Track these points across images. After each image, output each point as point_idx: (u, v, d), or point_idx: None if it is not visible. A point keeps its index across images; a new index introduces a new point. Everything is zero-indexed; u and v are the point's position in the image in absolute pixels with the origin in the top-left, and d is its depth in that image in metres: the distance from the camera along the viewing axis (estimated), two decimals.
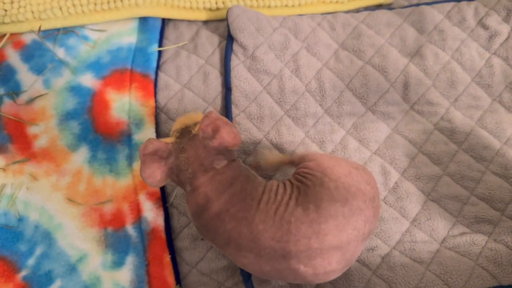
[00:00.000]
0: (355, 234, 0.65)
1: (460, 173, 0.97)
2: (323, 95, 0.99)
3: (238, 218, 0.64)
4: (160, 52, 1.00)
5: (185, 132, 0.69)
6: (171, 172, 0.68)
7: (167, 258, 0.85)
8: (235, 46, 1.00)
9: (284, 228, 0.63)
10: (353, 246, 0.65)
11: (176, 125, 0.72)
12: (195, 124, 0.70)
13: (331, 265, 0.64)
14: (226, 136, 0.68)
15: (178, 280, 0.85)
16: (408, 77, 1.02)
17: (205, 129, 0.67)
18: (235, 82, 0.97)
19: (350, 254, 0.66)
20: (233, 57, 0.98)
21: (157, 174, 0.66)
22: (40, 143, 0.92)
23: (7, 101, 0.93)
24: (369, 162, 0.97)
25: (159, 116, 0.97)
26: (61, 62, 0.97)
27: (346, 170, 0.70)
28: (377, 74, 1.01)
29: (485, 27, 1.06)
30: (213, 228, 0.66)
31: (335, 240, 0.63)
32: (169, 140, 0.69)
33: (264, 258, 0.63)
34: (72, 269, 0.84)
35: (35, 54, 0.97)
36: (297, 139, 0.97)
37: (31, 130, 0.92)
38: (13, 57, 0.97)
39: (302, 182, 0.70)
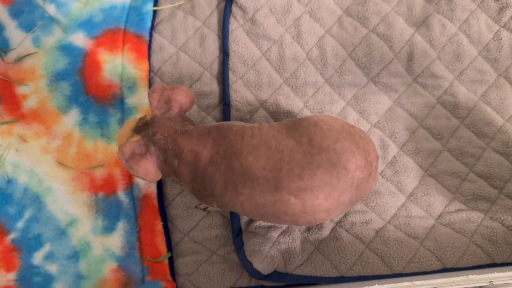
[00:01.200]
0: (344, 173, 0.65)
1: (460, 149, 0.95)
2: (324, 64, 0.95)
3: (228, 154, 0.65)
4: (155, 12, 0.96)
5: (141, 127, 0.68)
6: (159, 160, 0.68)
7: (159, 225, 0.84)
8: (234, 8, 0.95)
9: (277, 157, 0.64)
10: (342, 186, 0.65)
11: (122, 139, 0.70)
12: (139, 122, 0.69)
13: (318, 199, 0.64)
14: (180, 98, 0.69)
15: (169, 247, 0.84)
16: (413, 48, 0.98)
17: (157, 105, 0.68)
18: (233, 46, 0.93)
19: (338, 195, 0.66)
20: (231, 19, 0.94)
21: (150, 168, 0.66)
22: (29, 103, 0.89)
23: None
24: (369, 135, 0.94)
25: (153, 79, 0.93)
26: (52, 20, 0.92)
27: (339, 123, 0.72)
28: (382, 44, 0.97)
29: None
30: (210, 177, 0.66)
31: (326, 175, 0.64)
32: (135, 139, 0.68)
33: (257, 190, 0.64)
34: (61, 233, 0.82)
35: (24, 10, 0.92)
36: (295, 109, 0.94)
37: (20, 90, 0.89)
38: (1, 13, 0.92)
39: (294, 122, 0.71)
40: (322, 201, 0.65)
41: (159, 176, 0.68)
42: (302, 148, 0.65)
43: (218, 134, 0.68)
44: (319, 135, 0.67)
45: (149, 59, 0.92)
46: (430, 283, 0.70)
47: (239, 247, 0.84)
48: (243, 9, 0.94)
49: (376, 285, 0.68)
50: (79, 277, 0.80)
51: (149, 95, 0.68)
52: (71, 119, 0.88)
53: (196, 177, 0.68)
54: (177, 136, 0.67)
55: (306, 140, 0.66)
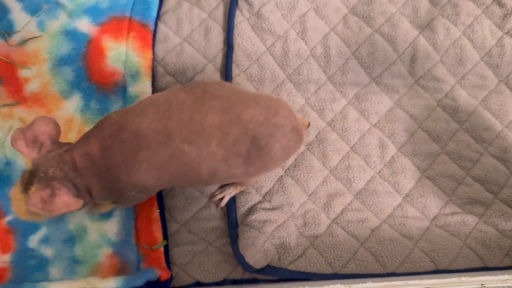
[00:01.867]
0: (237, 121, 0.62)
1: (458, 152, 0.96)
2: (328, 61, 0.96)
3: (115, 132, 0.63)
4: (161, 1, 0.95)
5: (29, 179, 0.64)
6: (70, 189, 0.64)
7: (156, 213, 0.84)
8: (240, 1, 0.95)
9: (164, 108, 0.63)
10: (234, 133, 0.62)
11: (20, 206, 0.68)
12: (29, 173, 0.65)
13: (211, 145, 0.62)
14: (44, 129, 0.66)
15: (165, 236, 0.84)
16: (416, 50, 0.98)
17: (29, 149, 0.65)
18: (237, 40, 0.93)
19: (231, 142, 0.62)
20: (237, 13, 0.94)
21: (67, 199, 0.62)
22: (31, 87, 0.88)
23: None
24: (368, 135, 0.95)
25: (156, 69, 0.93)
26: (57, 4, 0.92)
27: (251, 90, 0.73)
28: (385, 44, 0.98)
29: (501, 4, 1.02)
30: (111, 163, 0.64)
31: (216, 118, 0.62)
32: (33, 189, 0.63)
33: (152, 147, 0.62)
34: (58, 218, 0.82)
35: None
36: (296, 105, 0.94)
37: (23, 73, 0.89)
38: None
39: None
40: (216, 147, 0.62)
41: (80, 203, 0.63)
42: (194, 96, 0.63)
43: (96, 127, 0.66)
44: (216, 87, 0.65)
45: (153, 48, 0.92)
46: (423, 283, 0.71)
47: (234, 240, 0.84)
48: (249, 3, 0.94)
49: (370, 282, 0.69)
50: (74, 261, 0.80)
51: (14, 144, 0.64)
52: (73, 104, 0.88)
53: (102, 175, 0.65)
54: (64, 156, 0.64)
55: (199, 91, 0.64)
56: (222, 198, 0.86)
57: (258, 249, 0.81)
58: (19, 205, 0.66)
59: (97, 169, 0.65)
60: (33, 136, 0.65)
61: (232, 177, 0.68)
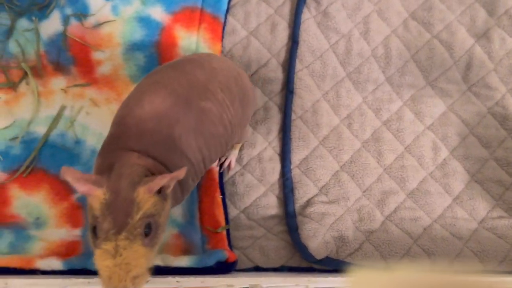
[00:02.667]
0: (215, 72, 0.68)
1: (506, 159, 0.99)
2: (387, 62, 0.99)
3: (138, 121, 0.61)
4: None
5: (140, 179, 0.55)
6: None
7: (218, 197, 0.87)
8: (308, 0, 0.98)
9: (164, 83, 0.65)
10: (224, 81, 0.69)
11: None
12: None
13: (219, 95, 0.67)
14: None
15: (227, 220, 0.87)
16: (472, 57, 1.01)
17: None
18: (303, 36, 0.96)
19: (227, 89, 0.68)
20: (305, 10, 0.97)
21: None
22: (103, 69, 0.92)
23: (74, 22, 0.92)
24: (422, 136, 0.98)
25: None
26: None
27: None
28: (443, 50, 1.01)
29: None
30: (164, 141, 0.61)
31: (202, 74, 0.67)
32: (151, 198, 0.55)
33: (181, 119, 0.62)
34: None
35: None
36: (354, 103, 0.97)
37: (96, 55, 0.92)
38: None
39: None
40: (222, 95, 0.67)
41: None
42: (173, 67, 0.69)
43: (118, 134, 0.63)
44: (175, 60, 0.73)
45: (221, 40, 0.95)
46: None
47: (293, 230, 0.87)
48: (317, 1, 0.97)
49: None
50: None
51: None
52: None
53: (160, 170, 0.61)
54: (130, 164, 0.58)
55: (172, 64, 0.71)
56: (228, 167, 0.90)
57: (319, 241, 0.84)
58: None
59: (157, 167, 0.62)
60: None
61: (239, 124, 0.74)
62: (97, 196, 0.52)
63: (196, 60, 0.71)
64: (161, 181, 0.53)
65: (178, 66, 0.69)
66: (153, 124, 0.61)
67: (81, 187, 0.52)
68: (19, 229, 0.81)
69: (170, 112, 0.62)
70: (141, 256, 0.51)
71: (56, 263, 0.74)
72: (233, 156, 0.90)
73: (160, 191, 0.55)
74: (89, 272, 0.74)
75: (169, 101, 0.63)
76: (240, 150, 0.93)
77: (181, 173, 0.53)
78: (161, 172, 0.60)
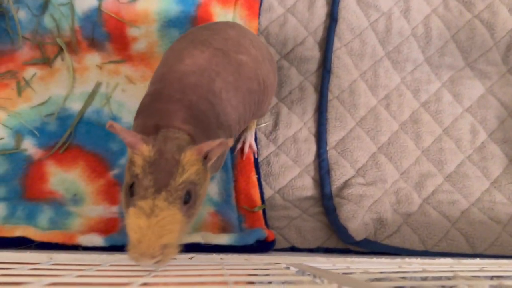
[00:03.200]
0: (243, 33, 0.70)
1: None
2: (427, 42, 0.96)
3: (180, 77, 0.60)
4: None
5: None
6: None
7: (254, 177, 0.86)
8: None
9: (199, 41, 0.65)
10: (248, 39, 0.69)
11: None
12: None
13: (252, 50, 0.68)
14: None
15: (263, 200, 0.86)
16: None
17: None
18: (342, 13, 0.93)
19: (255, 46, 0.69)
20: None
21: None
22: (138, 46, 0.90)
23: None
24: (460, 119, 0.96)
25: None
26: None
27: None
28: (484, 30, 0.98)
29: None
30: (206, 96, 0.60)
31: (233, 32, 0.68)
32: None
33: (221, 73, 0.62)
34: None
35: None
36: (392, 83, 0.95)
37: (131, 31, 0.90)
38: None
39: None
40: (255, 51, 0.68)
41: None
42: (204, 29, 0.70)
43: (160, 95, 0.62)
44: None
45: (258, 17, 0.93)
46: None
47: (331, 211, 0.86)
48: None
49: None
50: None
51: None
52: None
53: (203, 126, 0.59)
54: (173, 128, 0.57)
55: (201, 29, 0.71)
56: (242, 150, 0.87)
57: (359, 222, 0.83)
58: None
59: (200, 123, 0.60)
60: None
61: (271, 86, 0.73)
62: (141, 152, 0.50)
63: (223, 22, 0.73)
64: (211, 144, 0.50)
65: (209, 27, 0.70)
66: (195, 78, 0.60)
67: (129, 137, 0.50)
68: (58, 205, 0.81)
69: (210, 64, 0.62)
70: (177, 222, 0.48)
71: (98, 239, 0.74)
72: (250, 137, 0.87)
73: (203, 161, 0.53)
74: None
75: (208, 53, 0.63)
76: (273, 130, 0.91)
77: (230, 142, 0.51)
78: (202, 141, 0.56)
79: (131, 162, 0.51)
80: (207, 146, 0.50)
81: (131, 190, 0.49)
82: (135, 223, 0.46)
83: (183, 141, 0.53)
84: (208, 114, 0.59)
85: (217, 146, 0.50)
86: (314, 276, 0.59)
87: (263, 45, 0.74)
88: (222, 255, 0.68)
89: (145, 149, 0.50)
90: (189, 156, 0.50)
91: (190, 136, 0.56)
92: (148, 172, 0.48)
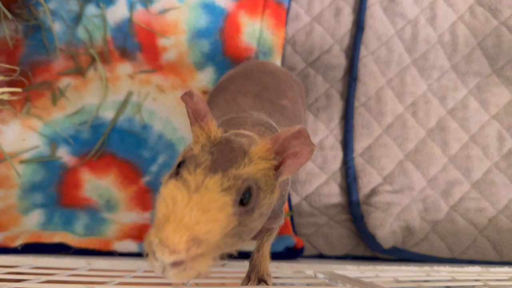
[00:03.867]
0: (276, 75, 0.73)
1: None
2: (454, 49, 0.96)
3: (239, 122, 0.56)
4: None
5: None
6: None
7: None
8: None
9: (245, 90, 0.68)
10: (284, 84, 0.72)
11: None
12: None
13: (289, 94, 0.71)
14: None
15: (290, 207, 0.88)
16: None
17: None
18: (369, 21, 0.94)
19: (293, 94, 0.73)
20: None
21: None
22: (168, 56, 0.92)
23: (140, 8, 0.93)
24: (487, 126, 0.95)
25: (285, 48, 0.96)
26: None
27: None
28: (511, 37, 0.97)
29: None
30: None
31: (269, 79, 0.71)
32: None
33: (273, 115, 0.64)
34: None
35: None
36: (419, 91, 0.95)
37: (161, 42, 0.93)
38: None
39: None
40: (291, 93, 0.72)
41: None
42: (244, 74, 0.73)
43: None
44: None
45: (285, 27, 0.94)
46: None
47: (359, 219, 0.87)
48: None
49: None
50: None
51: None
52: (206, 76, 0.92)
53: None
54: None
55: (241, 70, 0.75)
56: None
57: (387, 230, 0.84)
58: None
59: None
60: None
61: (303, 116, 0.76)
62: (208, 128, 0.41)
63: (255, 67, 0.75)
64: (287, 132, 0.40)
65: (246, 76, 0.72)
66: (257, 113, 0.61)
67: (203, 106, 0.42)
68: (93, 212, 0.84)
69: (264, 107, 0.64)
70: (224, 215, 0.35)
71: (132, 245, 0.76)
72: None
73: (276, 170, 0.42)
74: None
75: (259, 101, 0.65)
76: None
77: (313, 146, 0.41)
78: None
79: (193, 140, 0.42)
80: (284, 133, 0.40)
81: (177, 169, 0.38)
82: (170, 194, 0.35)
83: (255, 140, 0.43)
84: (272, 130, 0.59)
85: (294, 137, 0.40)
86: (344, 284, 0.61)
87: (293, 81, 0.77)
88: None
89: (213, 127, 0.41)
90: (261, 149, 0.40)
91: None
92: (208, 151, 0.38)
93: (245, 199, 0.38)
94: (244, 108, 0.63)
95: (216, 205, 0.35)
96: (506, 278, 0.69)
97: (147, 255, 0.33)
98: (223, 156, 0.38)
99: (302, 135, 0.40)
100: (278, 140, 0.40)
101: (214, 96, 0.72)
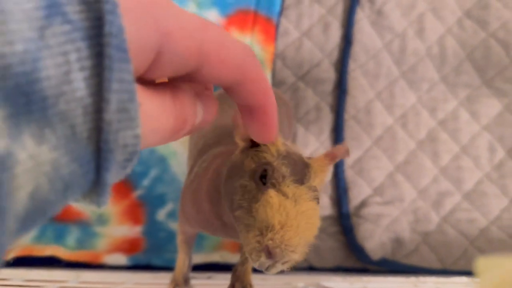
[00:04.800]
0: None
1: None
2: (442, 61, 0.97)
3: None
4: None
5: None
6: None
7: None
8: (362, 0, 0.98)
9: None
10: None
11: None
12: None
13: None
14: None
15: None
16: None
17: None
18: (357, 36, 0.96)
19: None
20: (358, 10, 0.97)
21: None
22: None
23: None
24: (478, 136, 0.96)
25: (275, 63, 0.97)
26: None
27: None
28: (499, 49, 0.98)
29: None
30: None
31: None
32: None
33: None
34: None
35: None
36: (408, 103, 0.96)
37: None
38: None
39: None
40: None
41: None
42: None
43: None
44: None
45: (274, 42, 0.96)
46: None
47: (348, 231, 0.87)
48: (371, 1, 0.97)
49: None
50: (199, 237, 0.85)
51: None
52: None
53: None
54: None
55: None
56: None
57: (376, 242, 0.84)
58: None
59: None
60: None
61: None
62: (275, 141, 0.41)
63: None
64: (342, 149, 0.44)
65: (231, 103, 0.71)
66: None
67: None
68: (85, 226, 0.85)
69: None
70: (319, 219, 0.41)
71: (122, 259, 0.77)
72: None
73: None
74: (152, 268, 0.77)
75: None
76: None
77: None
78: None
79: (260, 153, 0.42)
80: (339, 152, 0.43)
81: (261, 179, 0.40)
82: (281, 204, 0.38)
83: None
84: None
85: (344, 153, 0.44)
86: None
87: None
88: None
89: (279, 140, 0.42)
90: (320, 161, 0.43)
91: None
92: (284, 162, 0.40)
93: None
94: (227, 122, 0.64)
95: (314, 212, 0.40)
96: None
97: (251, 256, 0.38)
98: (296, 166, 0.40)
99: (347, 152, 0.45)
100: (336, 157, 0.43)
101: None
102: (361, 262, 0.87)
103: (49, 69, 0.16)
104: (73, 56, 0.16)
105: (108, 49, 0.17)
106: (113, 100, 0.17)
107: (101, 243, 0.83)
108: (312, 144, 0.95)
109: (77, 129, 0.17)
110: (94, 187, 0.20)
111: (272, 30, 0.96)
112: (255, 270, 0.70)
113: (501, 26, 0.99)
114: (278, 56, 0.98)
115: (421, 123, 0.95)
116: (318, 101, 0.97)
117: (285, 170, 0.39)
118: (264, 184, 0.39)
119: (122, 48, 0.17)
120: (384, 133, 0.94)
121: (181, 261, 0.66)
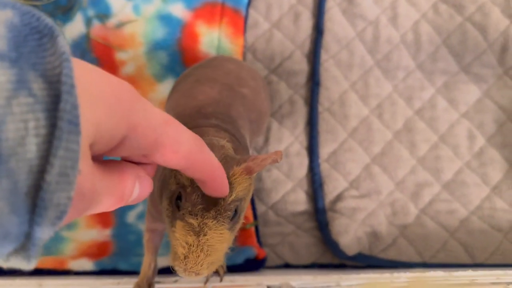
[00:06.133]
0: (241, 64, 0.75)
1: None
2: (418, 49, 0.95)
3: (197, 110, 0.60)
4: None
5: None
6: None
7: None
8: None
9: (204, 78, 0.68)
10: (246, 73, 0.72)
11: None
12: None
13: (249, 83, 0.70)
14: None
15: (255, 217, 0.86)
16: (507, 39, 0.95)
17: None
18: (328, 25, 0.93)
19: (253, 83, 0.71)
20: None
21: None
22: (127, 69, 0.92)
23: (96, 24, 0.93)
24: (457, 124, 0.93)
25: (245, 55, 0.95)
26: None
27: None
28: (476, 33, 0.95)
29: None
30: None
31: (232, 65, 0.72)
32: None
33: (233, 105, 0.63)
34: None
35: None
36: (384, 92, 0.94)
37: (119, 55, 0.92)
38: None
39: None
40: (253, 82, 0.71)
41: None
42: (202, 66, 0.73)
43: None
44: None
45: (244, 34, 0.93)
46: None
47: (324, 226, 0.85)
48: None
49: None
50: (167, 240, 0.83)
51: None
52: (166, 87, 0.91)
53: None
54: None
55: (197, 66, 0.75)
56: None
57: (351, 237, 0.82)
58: None
59: None
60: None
61: (266, 113, 0.75)
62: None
63: (219, 57, 0.75)
64: (263, 162, 0.44)
65: (208, 64, 0.72)
66: (212, 108, 0.59)
67: None
68: None
69: (222, 97, 0.62)
70: (225, 241, 0.45)
71: (87, 264, 0.75)
72: None
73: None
74: (119, 272, 0.74)
75: (217, 88, 0.64)
76: (264, 145, 0.91)
77: (280, 156, 0.44)
78: (239, 150, 0.53)
79: (177, 171, 0.45)
80: (257, 166, 0.44)
81: (177, 202, 0.45)
82: (184, 239, 0.43)
83: (228, 150, 0.48)
84: (235, 134, 0.57)
85: (270, 162, 0.44)
86: None
87: (257, 74, 0.77)
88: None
89: None
90: (239, 174, 0.44)
91: (232, 146, 0.51)
92: (196, 186, 0.43)
93: (235, 216, 0.45)
94: (200, 98, 0.61)
95: (218, 238, 0.44)
96: (467, 282, 0.67)
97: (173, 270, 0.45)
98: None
99: (277, 158, 0.44)
100: (253, 171, 0.45)
101: (173, 88, 0.73)
102: (338, 258, 0.85)
103: (9, 132, 0.19)
104: (31, 124, 0.20)
105: (60, 122, 0.20)
106: (57, 165, 0.20)
107: (68, 248, 0.80)
108: (287, 138, 0.92)
109: (19, 185, 0.20)
110: (26, 241, 0.22)
111: (240, 22, 0.93)
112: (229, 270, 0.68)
113: (477, 9, 0.96)
114: (248, 49, 0.95)
115: (397, 113, 0.93)
116: (291, 94, 0.94)
117: (196, 196, 0.43)
118: (179, 209, 0.44)
119: (74, 122, 0.21)
120: (359, 125, 0.92)
121: (147, 264, 0.64)
